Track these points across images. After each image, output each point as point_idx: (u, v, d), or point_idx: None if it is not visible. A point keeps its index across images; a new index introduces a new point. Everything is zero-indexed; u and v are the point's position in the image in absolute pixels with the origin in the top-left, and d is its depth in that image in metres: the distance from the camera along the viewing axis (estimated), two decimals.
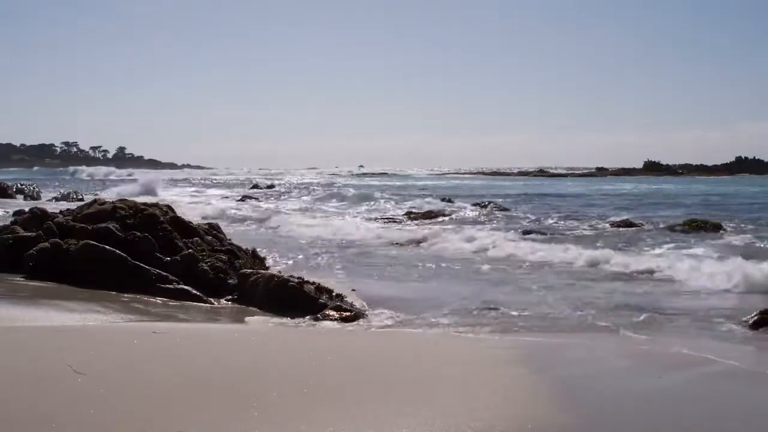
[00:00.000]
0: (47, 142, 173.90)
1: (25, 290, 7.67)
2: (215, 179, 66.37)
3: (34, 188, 32.99)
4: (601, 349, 6.00)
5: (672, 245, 13.57)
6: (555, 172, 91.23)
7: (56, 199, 28.42)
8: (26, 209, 10.70)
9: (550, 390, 4.57)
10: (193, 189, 43.84)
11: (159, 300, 7.77)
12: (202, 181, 59.88)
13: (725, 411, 4.49)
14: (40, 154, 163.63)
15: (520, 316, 7.40)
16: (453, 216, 20.88)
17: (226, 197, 32.89)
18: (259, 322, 7.12)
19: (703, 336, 6.70)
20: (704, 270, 10.02)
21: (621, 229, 17.16)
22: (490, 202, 25.36)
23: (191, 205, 24.59)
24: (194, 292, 8.08)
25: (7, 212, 15.33)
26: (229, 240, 10.08)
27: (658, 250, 12.90)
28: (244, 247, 9.91)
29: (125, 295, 7.75)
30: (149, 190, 33.74)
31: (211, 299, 8.07)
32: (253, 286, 8.05)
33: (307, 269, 10.43)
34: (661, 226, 17.30)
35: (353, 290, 8.55)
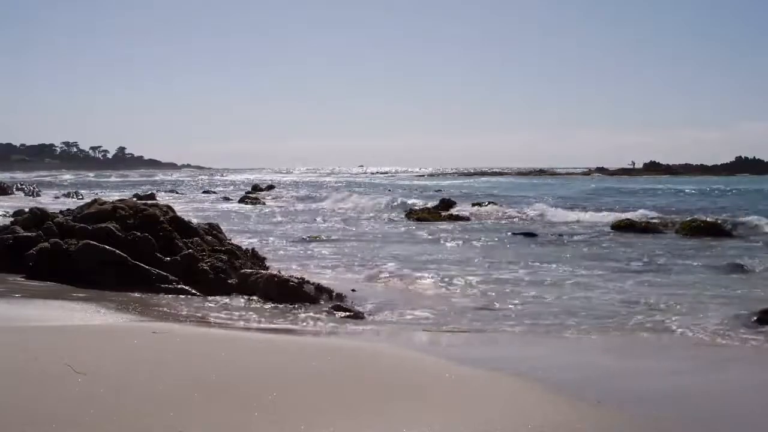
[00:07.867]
0: (47, 142, 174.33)
1: (25, 290, 7.67)
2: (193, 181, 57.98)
3: (33, 187, 33.06)
4: None
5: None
6: (554, 171, 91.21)
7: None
8: (26, 209, 10.71)
9: (549, 390, 4.56)
10: None
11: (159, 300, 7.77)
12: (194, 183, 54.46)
13: None
14: (40, 154, 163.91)
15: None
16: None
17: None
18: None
19: None
20: None
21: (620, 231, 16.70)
22: (490, 202, 25.45)
23: None
24: (194, 292, 8.08)
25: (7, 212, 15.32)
26: (229, 240, 10.07)
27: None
28: (243, 247, 9.91)
29: (125, 295, 7.74)
30: None
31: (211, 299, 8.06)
32: (253, 286, 8.06)
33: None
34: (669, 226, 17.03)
35: (353, 290, 8.54)
